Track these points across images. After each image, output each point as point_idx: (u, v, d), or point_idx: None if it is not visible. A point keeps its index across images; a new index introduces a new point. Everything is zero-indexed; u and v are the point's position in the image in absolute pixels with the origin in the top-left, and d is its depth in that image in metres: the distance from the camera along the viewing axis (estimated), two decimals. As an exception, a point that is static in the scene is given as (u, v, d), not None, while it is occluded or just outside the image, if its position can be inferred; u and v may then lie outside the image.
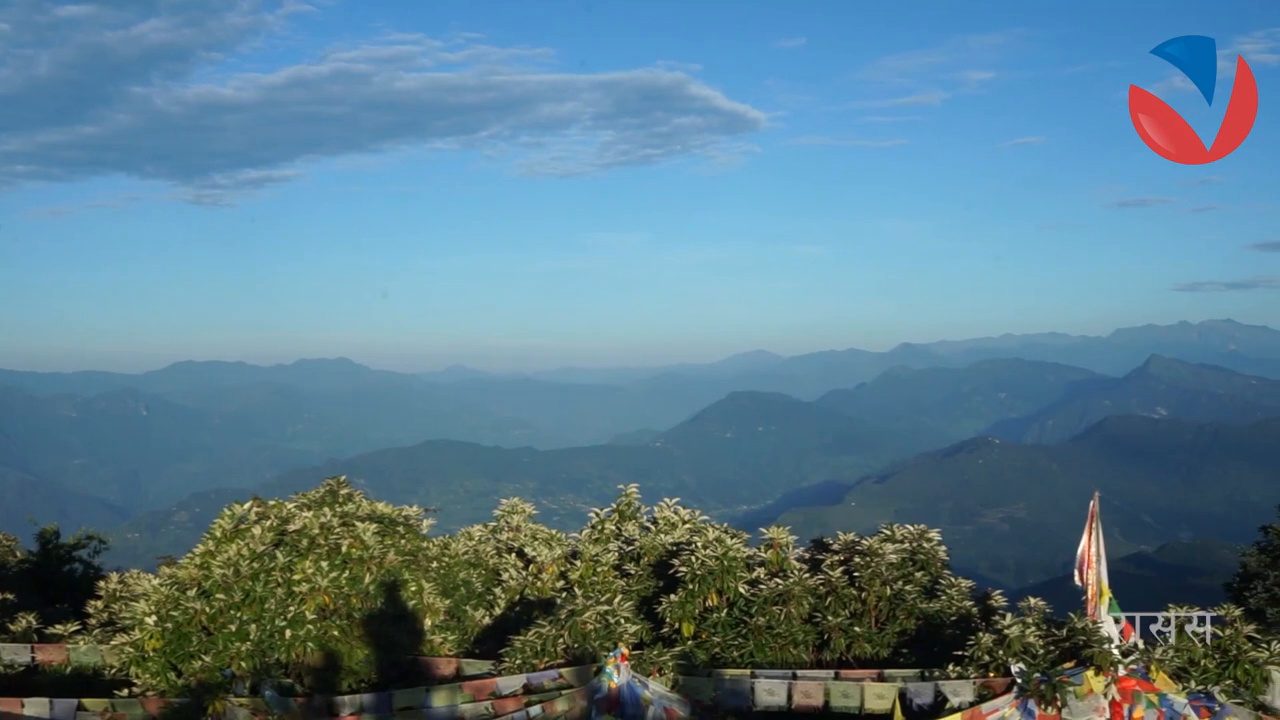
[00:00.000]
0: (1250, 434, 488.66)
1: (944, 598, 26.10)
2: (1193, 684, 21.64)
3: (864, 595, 25.71)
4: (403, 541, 28.50)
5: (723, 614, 25.73)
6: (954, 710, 20.60)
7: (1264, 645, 23.25)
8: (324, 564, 25.91)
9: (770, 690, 22.62)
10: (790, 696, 22.44)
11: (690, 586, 25.88)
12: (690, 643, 25.42)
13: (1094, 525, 21.44)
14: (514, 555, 32.19)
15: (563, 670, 23.01)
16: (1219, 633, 23.01)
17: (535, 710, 22.17)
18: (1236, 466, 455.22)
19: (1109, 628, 21.39)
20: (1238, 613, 23.95)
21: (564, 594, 27.89)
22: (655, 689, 22.14)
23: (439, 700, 23.25)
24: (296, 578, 25.56)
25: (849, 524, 34.31)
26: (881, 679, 22.66)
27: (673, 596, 26.15)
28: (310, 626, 25.02)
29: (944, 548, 27.89)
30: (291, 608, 25.14)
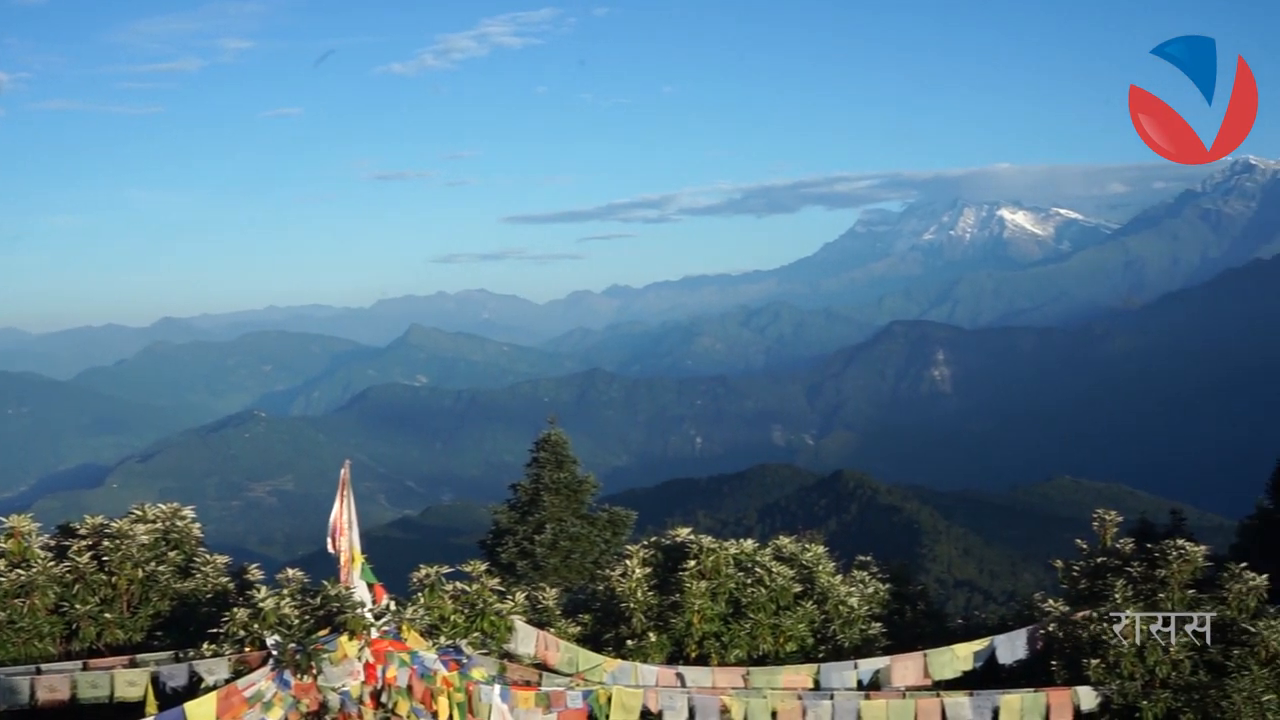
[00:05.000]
0: (503, 398, 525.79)
1: (199, 576, 25.78)
2: (443, 639, 22.85)
3: (114, 580, 24.82)
4: None
5: (-43, 613, 23.86)
6: (210, 689, 20.40)
7: (509, 597, 25.07)
8: None
9: (12, 689, 21.32)
10: (34, 692, 21.26)
11: (-84, 587, 23.77)
12: (-82, 649, 23.39)
13: (345, 493, 21.92)
14: None
15: None
16: (466, 588, 24.47)
17: None
18: (492, 429, 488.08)
19: (361, 592, 22.03)
20: (483, 568, 25.60)
21: None
22: (-125, 703, 20.18)
23: None
24: None
25: (111, 507, 32.93)
26: (133, 665, 22.06)
27: (-105, 600, 23.91)
28: None
29: (198, 525, 27.48)
30: None
